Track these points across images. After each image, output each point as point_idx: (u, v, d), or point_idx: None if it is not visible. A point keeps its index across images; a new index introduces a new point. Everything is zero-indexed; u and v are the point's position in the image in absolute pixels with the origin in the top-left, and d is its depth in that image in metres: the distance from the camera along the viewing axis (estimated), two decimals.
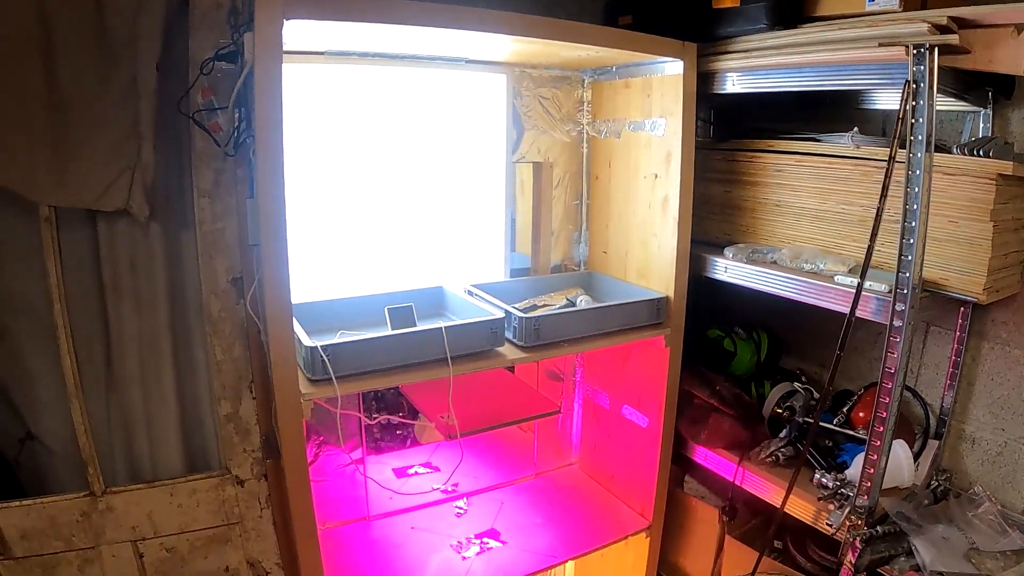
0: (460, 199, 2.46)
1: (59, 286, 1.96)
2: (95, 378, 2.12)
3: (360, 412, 2.44)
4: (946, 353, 2.41)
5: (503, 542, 2.45)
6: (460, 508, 2.63)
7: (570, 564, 3.04)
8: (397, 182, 2.33)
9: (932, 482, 2.32)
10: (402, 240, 2.38)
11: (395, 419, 2.69)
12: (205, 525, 2.23)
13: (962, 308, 2.31)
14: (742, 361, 2.82)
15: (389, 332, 1.93)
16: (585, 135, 2.62)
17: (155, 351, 2.17)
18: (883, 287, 1.95)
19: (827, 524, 2.14)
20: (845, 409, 2.47)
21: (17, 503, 1.98)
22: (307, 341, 1.79)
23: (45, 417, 2.10)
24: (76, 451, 2.06)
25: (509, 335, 2.10)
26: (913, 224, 1.82)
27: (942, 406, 2.42)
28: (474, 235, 2.52)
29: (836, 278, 2.10)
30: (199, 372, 2.23)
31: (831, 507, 2.15)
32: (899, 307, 1.88)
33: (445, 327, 1.92)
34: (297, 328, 1.82)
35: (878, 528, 2.05)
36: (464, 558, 2.36)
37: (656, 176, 2.31)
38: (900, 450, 2.16)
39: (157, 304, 2.14)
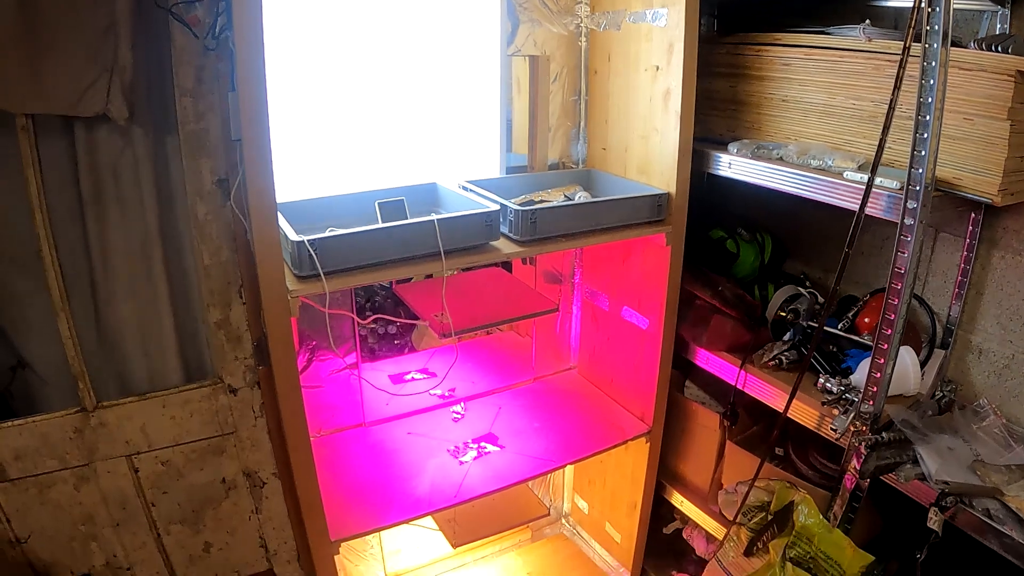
0: (454, 95, 2.36)
1: (39, 197, 1.89)
2: (84, 293, 2.07)
3: (353, 312, 2.40)
4: (955, 260, 2.34)
5: (501, 446, 2.45)
6: (457, 413, 2.63)
7: (569, 469, 3.08)
8: (387, 77, 2.23)
9: (937, 392, 2.30)
10: (394, 139, 2.30)
11: (390, 320, 2.67)
12: (199, 436, 2.20)
13: (972, 214, 2.23)
14: (745, 263, 2.76)
15: (379, 225, 1.87)
16: (583, 28, 2.50)
17: (145, 260, 2.11)
18: (894, 184, 1.88)
19: (831, 429, 2.11)
20: (850, 314, 2.42)
21: (9, 423, 1.95)
22: (293, 236, 1.74)
23: (35, 342, 2.06)
24: (69, 375, 2.02)
25: (505, 230, 2.05)
26: (927, 118, 1.73)
27: (949, 315, 2.38)
28: (469, 133, 2.44)
29: (845, 174, 2.02)
30: (191, 279, 2.18)
31: (835, 412, 2.12)
32: (911, 205, 1.81)
33: (437, 219, 1.87)
34: (283, 224, 1.78)
35: (883, 435, 2.03)
36: (461, 462, 2.36)
37: (657, 68, 2.21)
38: (907, 356, 2.13)
39: (144, 212, 2.07)
